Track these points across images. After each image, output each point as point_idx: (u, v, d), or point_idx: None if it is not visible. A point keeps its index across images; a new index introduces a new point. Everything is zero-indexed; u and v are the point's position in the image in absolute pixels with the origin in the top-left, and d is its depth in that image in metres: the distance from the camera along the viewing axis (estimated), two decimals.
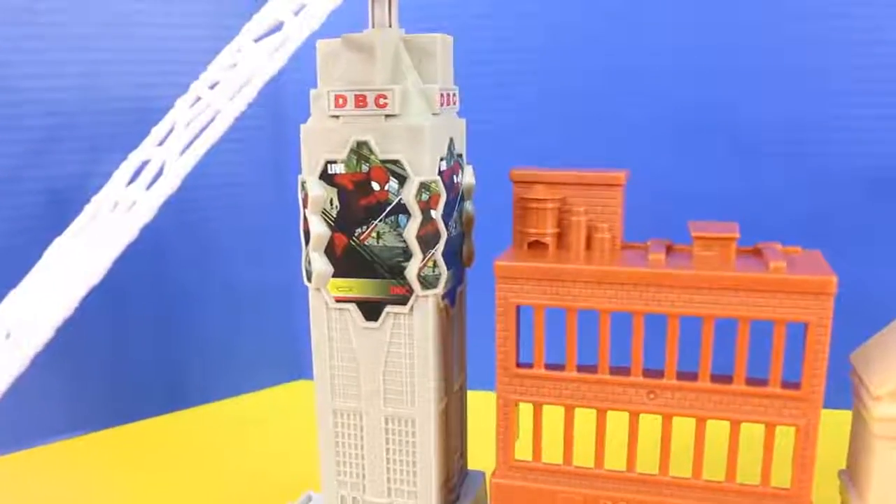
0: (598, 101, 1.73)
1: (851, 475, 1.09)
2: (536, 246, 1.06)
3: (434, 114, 1.06)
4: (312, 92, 1.07)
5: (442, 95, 1.08)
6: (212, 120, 1.02)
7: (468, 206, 1.17)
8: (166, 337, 1.83)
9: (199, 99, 1.05)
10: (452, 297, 1.14)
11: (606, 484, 1.05)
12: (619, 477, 1.04)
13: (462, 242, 1.17)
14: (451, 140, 1.10)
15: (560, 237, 1.06)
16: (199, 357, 1.88)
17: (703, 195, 1.63)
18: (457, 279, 1.15)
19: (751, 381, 0.99)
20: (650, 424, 1.03)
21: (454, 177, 1.12)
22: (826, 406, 0.99)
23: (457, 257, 1.15)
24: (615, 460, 1.05)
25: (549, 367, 1.04)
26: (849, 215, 1.65)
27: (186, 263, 1.81)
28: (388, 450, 1.13)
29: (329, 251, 1.08)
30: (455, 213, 1.13)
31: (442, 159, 1.07)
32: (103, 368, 1.77)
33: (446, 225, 1.08)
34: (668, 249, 1.05)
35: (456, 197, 1.13)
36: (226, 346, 1.91)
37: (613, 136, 1.70)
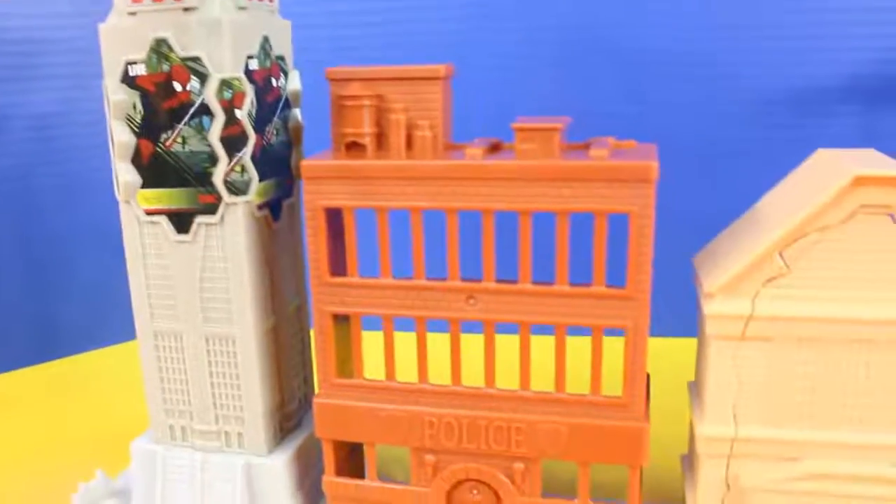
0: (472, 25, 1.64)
1: (696, 382, 1.02)
2: (354, 148, 0.98)
3: (240, 7, 0.98)
4: None
5: None
6: None
7: (296, 113, 1.09)
8: (36, 283, 1.74)
9: None
10: (276, 209, 1.06)
11: (431, 400, 0.98)
12: (444, 392, 0.97)
13: (290, 152, 1.09)
14: (266, 39, 1.02)
15: (379, 138, 0.98)
16: (72, 305, 1.80)
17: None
18: (283, 191, 1.08)
19: (577, 285, 0.92)
20: (475, 340, 0.96)
21: (272, 80, 1.04)
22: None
23: (283, 167, 1.08)
24: (441, 379, 0.98)
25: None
26: (731, 138, 1.58)
27: (55, 206, 1.73)
28: (211, 373, 1.05)
29: (136, 160, 1.00)
30: (277, 120, 1.05)
31: (251, 58, 0.99)
32: None
33: (262, 130, 1.01)
34: (495, 148, 0.98)
35: (276, 102, 1.05)
36: (100, 294, 1.82)
37: (500, 61, 1.62)
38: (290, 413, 1.12)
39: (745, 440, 0.93)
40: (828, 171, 0.91)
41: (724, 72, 1.57)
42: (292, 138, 1.09)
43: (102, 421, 1.50)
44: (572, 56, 1.58)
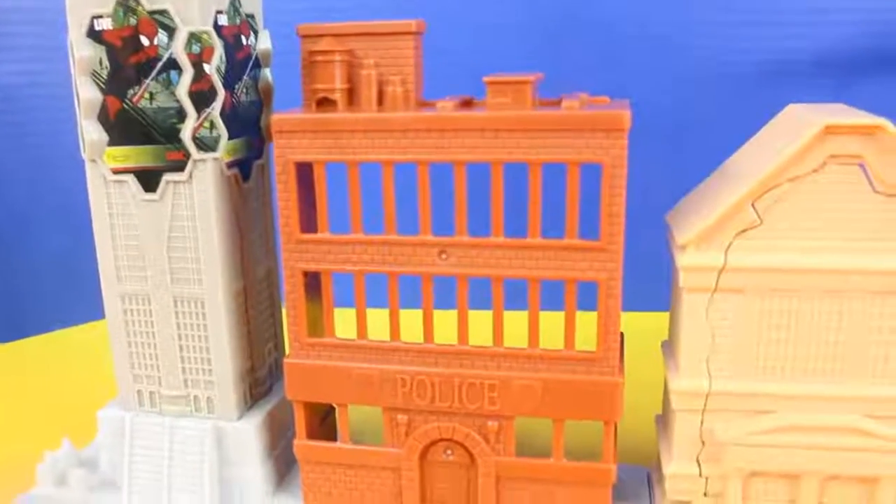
0: None
1: (670, 340, 1.02)
2: (325, 104, 0.97)
3: None
4: None
5: None
6: None
7: (266, 73, 1.08)
8: (1, 261, 1.71)
9: None
10: (246, 170, 1.05)
11: (403, 358, 0.97)
12: (417, 349, 0.96)
13: (260, 113, 1.08)
14: None
15: (350, 94, 0.97)
16: (39, 284, 1.76)
17: None
18: (253, 152, 1.06)
19: (550, 238, 0.91)
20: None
21: (242, 38, 1.03)
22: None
23: (253, 128, 1.06)
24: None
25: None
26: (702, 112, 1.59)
27: (20, 183, 1.70)
28: (180, 336, 1.04)
29: (102, 117, 0.99)
30: (247, 79, 1.04)
31: (220, 13, 0.97)
32: None
33: (231, 87, 1.00)
34: (466, 104, 0.97)
35: (246, 60, 1.04)
36: (67, 272, 1.79)
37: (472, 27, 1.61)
38: (260, 378, 1.10)
39: (719, 394, 0.93)
40: (798, 123, 0.91)
41: (695, 42, 1.58)
42: (262, 98, 1.08)
43: (71, 397, 1.47)
44: (546, 26, 1.58)
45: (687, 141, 1.54)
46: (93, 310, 1.74)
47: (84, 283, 1.78)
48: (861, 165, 0.87)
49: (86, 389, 1.44)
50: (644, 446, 1.11)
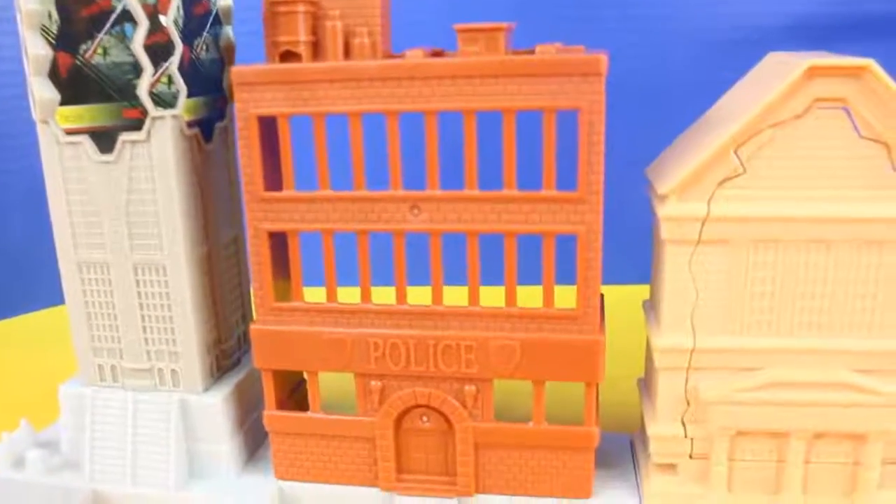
0: None
1: (651, 299, 0.98)
2: (289, 58, 0.92)
3: None
4: None
5: None
6: None
7: (227, 31, 1.03)
8: None
9: None
10: (208, 130, 1.00)
11: (376, 321, 0.93)
12: (389, 311, 0.92)
13: (221, 72, 1.03)
14: None
15: (315, 47, 0.93)
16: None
17: None
18: (215, 112, 1.02)
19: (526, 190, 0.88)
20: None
21: None
22: None
23: (214, 87, 1.02)
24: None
25: None
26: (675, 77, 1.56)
27: None
28: (141, 305, 0.99)
29: (53, 75, 0.93)
30: (207, 35, 0.99)
31: None
32: None
33: (190, 42, 0.95)
34: (437, 55, 0.93)
35: (206, 15, 0.99)
36: (26, 257, 1.73)
37: None
38: (227, 350, 1.06)
39: (703, 351, 0.90)
40: (780, 68, 0.88)
41: (670, 7, 1.55)
42: (224, 57, 1.03)
43: (32, 382, 1.41)
44: None
45: (658, 107, 1.51)
46: (55, 295, 1.69)
47: (44, 269, 1.72)
48: (846, 110, 0.84)
49: (48, 374, 1.38)
50: (625, 417, 1.08)
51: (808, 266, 0.87)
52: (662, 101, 1.53)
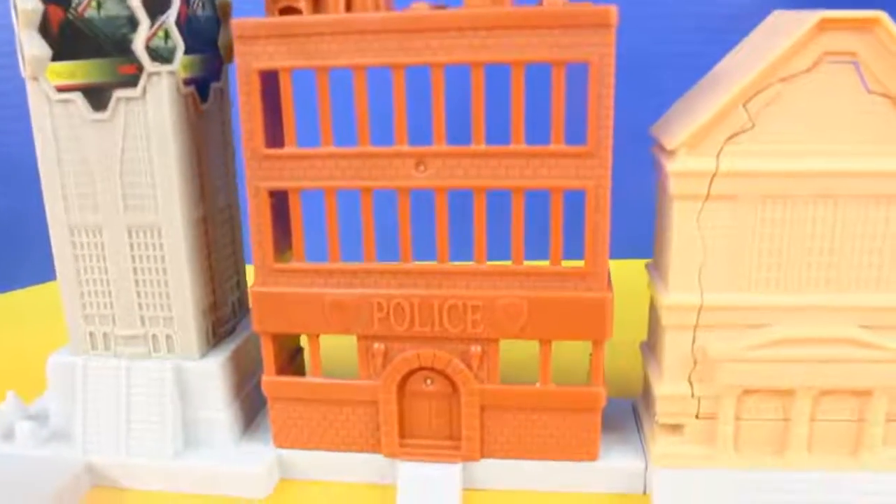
0: None
1: (655, 260, 0.97)
2: (289, 12, 0.90)
3: None
4: None
5: None
6: None
7: None
8: None
9: None
10: (204, 90, 0.98)
11: (379, 281, 0.91)
12: (393, 271, 0.90)
13: (217, 31, 1.01)
14: None
15: (316, 3, 0.91)
16: None
17: None
18: (210, 72, 0.99)
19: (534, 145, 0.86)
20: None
21: None
22: None
23: (210, 47, 0.99)
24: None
25: None
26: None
27: None
28: (135, 269, 0.96)
29: (44, 29, 0.90)
30: None
31: None
32: None
33: None
34: (441, 9, 0.91)
35: None
36: (14, 232, 1.68)
37: None
38: (223, 317, 1.03)
39: (711, 308, 0.89)
40: (787, 25, 0.88)
41: None
42: (220, 16, 1.01)
43: (16, 358, 1.37)
44: None
45: (651, 78, 1.50)
46: (44, 271, 1.63)
47: (32, 245, 1.68)
48: (855, 64, 0.84)
49: (34, 349, 1.34)
50: (626, 383, 1.07)
51: (815, 221, 0.87)
52: (656, 73, 1.52)
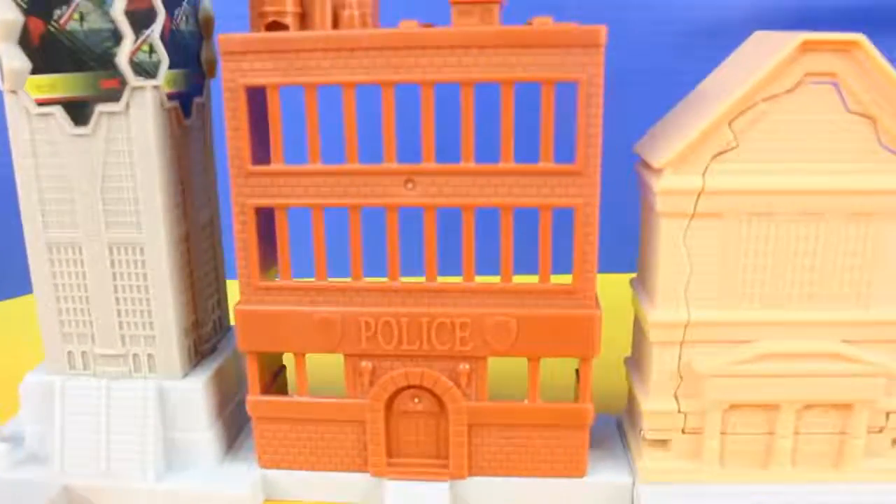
0: None
1: (640, 276, 0.98)
2: (275, 28, 0.90)
3: None
4: None
5: None
6: None
7: (206, 3, 1.00)
8: None
9: None
10: (187, 105, 0.96)
11: (367, 299, 0.90)
12: (381, 289, 0.90)
13: (200, 46, 1.00)
14: None
15: (303, 18, 0.90)
16: None
17: None
18: (193, 87, 0.98)
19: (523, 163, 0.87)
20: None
21: None
22: None
23: (193, 60, 0.98)
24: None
25: None
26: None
27: None
28: (116, 287, 0.94)
29: (24, 41, 0.88)
30: (186, 5, 0.96)
31: None
32: None
33: (171, 11, 0.91)
34: (427, 27, 0.91)
35: None
36: None
37: None
38: (204, 336, 1.02)
39: (698, 324, 0.90)
40: (770, 45, 0.89)
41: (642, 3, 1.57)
42: (202, 31, 1.00)
43: None
44: None
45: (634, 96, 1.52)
46: (13, 286, 1.58)
47: (11, 258, 1.62)
48: (835, 85, 0.86)
49: (8, 367, 1.30)
50: (608, 399, 1.07)
51: (799, 238, 0.88)
52: (634, 90, 1.53)
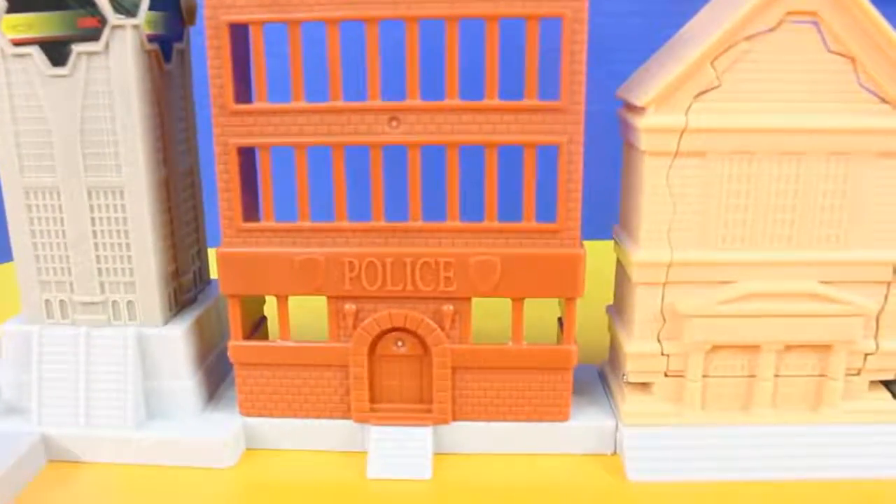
0: None
1: (623, 222, 0.98)
2: None
3: None
4: None
5: None
6: None
7: None
8: None
9: None
10: (167, 50, 0.95)
11: (351, 239, 0.90)
12: (365, 229, 0.89)
13: None
14: None
15: None
16: None
17: None
18: (173, 31, 0.97)
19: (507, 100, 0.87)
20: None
21: None
22: None
23: (172, 4, 0.97)
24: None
25: None
26: None
27: None
28: (95, 233, 0.93)
29: None
30: None
31: None
32: None
33: None
34: None
35: None
36: None
37: None
38: (185, 285, 1.01)
39: (681, 264, 0.91)
40: None
41: None
42: None
43: None
44: None
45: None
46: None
47: None
48: (815, 24, 0.86)
49: None
50: (589, 350, 1.07)
51: (779, 178, 0.89)
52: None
